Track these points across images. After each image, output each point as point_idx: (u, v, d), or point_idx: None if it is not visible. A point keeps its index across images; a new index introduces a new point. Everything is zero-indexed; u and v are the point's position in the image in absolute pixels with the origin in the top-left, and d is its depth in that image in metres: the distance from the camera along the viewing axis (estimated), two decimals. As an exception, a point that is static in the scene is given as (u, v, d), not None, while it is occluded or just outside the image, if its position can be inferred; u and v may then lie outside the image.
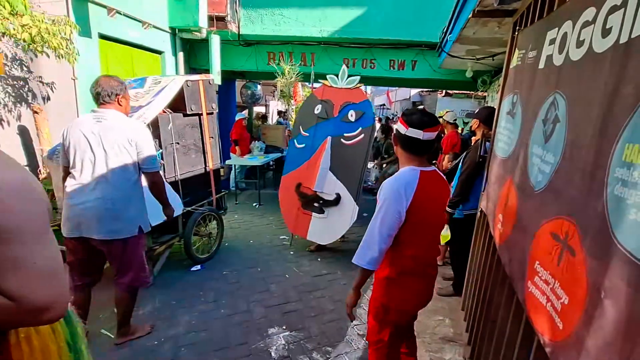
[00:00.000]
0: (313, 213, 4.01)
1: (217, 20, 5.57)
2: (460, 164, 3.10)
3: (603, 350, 0.76)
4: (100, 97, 2.11)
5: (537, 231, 1.23)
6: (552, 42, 1.40)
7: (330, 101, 4.07)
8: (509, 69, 2.21)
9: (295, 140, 4.28)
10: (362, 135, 3.80)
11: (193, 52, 6.41)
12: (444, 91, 14.68)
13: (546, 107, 1.36)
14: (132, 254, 2.23)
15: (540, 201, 1.27)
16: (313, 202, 3.96)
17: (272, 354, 2.40)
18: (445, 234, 3.03)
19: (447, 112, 5.47)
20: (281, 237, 4.59)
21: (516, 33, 2.15)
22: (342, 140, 3.91)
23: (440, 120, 5.42)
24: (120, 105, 2.17)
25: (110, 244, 2.12)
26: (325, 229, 3.91)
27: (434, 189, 1.55)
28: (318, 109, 4.09)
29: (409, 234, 1.52)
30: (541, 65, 1.51)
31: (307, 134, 4.15)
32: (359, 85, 4.02)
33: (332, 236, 3.92)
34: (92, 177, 2.06)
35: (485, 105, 6.08)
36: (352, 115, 3.85)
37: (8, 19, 2.49)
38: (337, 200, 3.82)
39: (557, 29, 1.37)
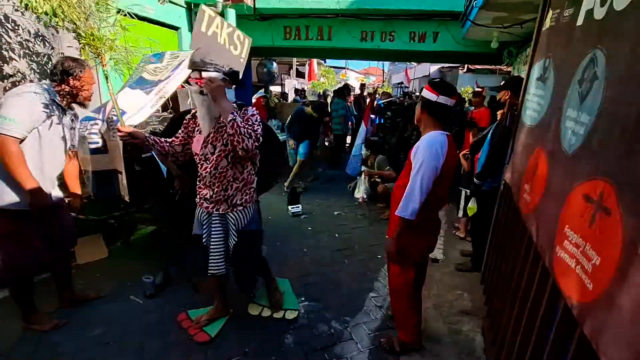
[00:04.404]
0: None
1: (232, -6, 5.46)
2: (488, 136, 3.01)
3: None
4: (50, 75, 2.08)
5: (568, 195, 1.18)
6: (593, -6, 1.29)
7: None
8: (541, 32, 2.08)
9: None
10: None
11: (209, 29, 6.34)
12: (465, 66, 14.13)
13: (584, 66, 1.28)
14: None
15: (573, 164, 1.22)
16: None
17: (292, 322, 2.47)
18: (473, 206, 2.96)
19: (482, 88, 5.34)
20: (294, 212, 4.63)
21: (550, -8, 2.01)
22: None
23: (474, 97, 5.28)
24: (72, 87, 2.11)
25: None
26: None
27: (453, 149, 1.87)
28: None
29: (437, 186, 1.80)
30: (579, 22, 1.41)
31: None
32: None
33: None
34: None
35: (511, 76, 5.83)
36: None
37: (30, -8, 2.51)
38: None
39: (599, -21, 1.26)
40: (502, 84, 3.31)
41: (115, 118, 2.53)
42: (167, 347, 2.18)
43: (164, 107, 3.23)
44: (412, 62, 18.33)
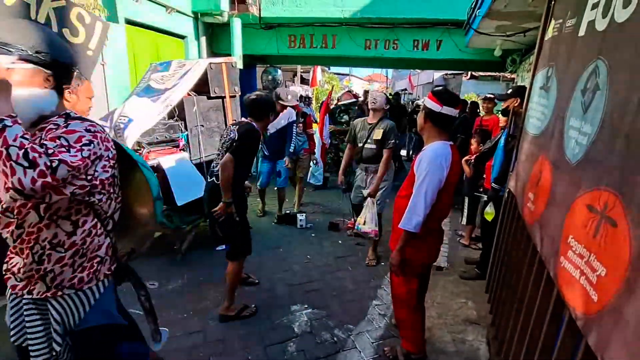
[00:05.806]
0: None
1: (238, 3, 5.57)
2: (501, 143, 3.00)
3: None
4: None
5: (572, 205, 1.18)
6: (595, 6, 1.31)
7: None
8: (544, 42, 2.09)
9: None
10: None
11: (215, 37, 6.44)
12: (469, 74, 14.17)
13: (586, 76, 1.29)
14: None
15: (576, 174, 1.22)
16: None
17: (295, 329, 2.46)
18: (490, 211, 2.94)
19: (493, 94, 5.33)
20: (300, 219, 4.63)
21: (552, 2, 2.03)
22: None
23: (485, 102, 5.26)
24: (68, 101, 2.02)
25: None
26: None
27: (457, 159, 1.84)
28: None
29: (441, 197, 1.79)
30: (581, 32, 1.42)
31: None
32: None
33: None
34: None
35: (517, 84, 5.83)
36: None
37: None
38: None
39: (601, -9, 1.28)
40: (509, 91, 3.31)
41: (123, 125, 2.57)
42: (170, 352, 2.18)
43: (170, 115, 3.28)
44: (416, 69, 18.42)
